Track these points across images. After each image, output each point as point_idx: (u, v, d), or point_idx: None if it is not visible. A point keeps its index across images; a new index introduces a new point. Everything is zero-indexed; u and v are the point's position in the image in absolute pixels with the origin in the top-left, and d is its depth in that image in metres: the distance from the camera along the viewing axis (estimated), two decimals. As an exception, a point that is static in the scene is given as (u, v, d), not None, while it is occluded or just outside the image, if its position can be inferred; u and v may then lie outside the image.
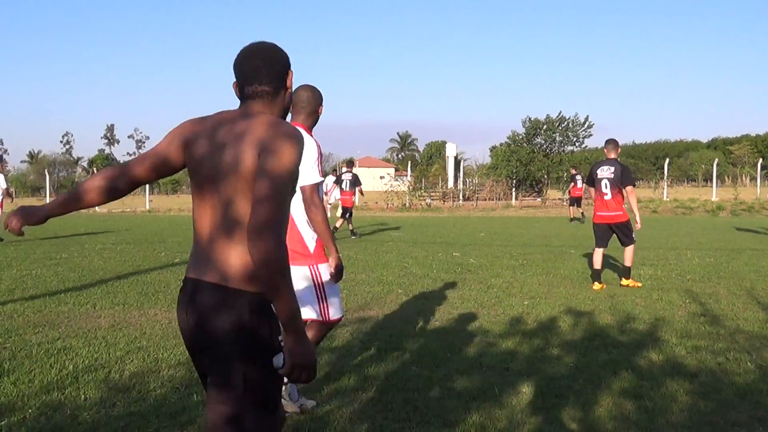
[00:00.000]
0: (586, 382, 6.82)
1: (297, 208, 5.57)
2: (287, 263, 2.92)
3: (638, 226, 12.94)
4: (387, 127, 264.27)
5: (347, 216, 24.97)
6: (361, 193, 26.61)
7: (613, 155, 13.11)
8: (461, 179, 64.35)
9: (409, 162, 67.52)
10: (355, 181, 25.09)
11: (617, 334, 8.95)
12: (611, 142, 13.28)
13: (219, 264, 3.13)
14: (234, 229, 3.11)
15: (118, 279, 13.37)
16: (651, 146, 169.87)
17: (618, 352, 7.97)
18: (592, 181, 13.36)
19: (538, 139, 61.09)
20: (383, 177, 58.93)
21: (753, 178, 74.56)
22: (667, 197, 51.60)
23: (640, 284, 12.87)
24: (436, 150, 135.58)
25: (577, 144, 62.01)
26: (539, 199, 55.25)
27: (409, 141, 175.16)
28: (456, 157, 68.88)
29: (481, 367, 7.33)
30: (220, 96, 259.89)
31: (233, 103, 3.36)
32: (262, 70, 3.27)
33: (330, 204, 27.91)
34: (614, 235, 13.14)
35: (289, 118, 4.38)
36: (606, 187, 12.95)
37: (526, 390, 6.53)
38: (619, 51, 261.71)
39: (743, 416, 5.91)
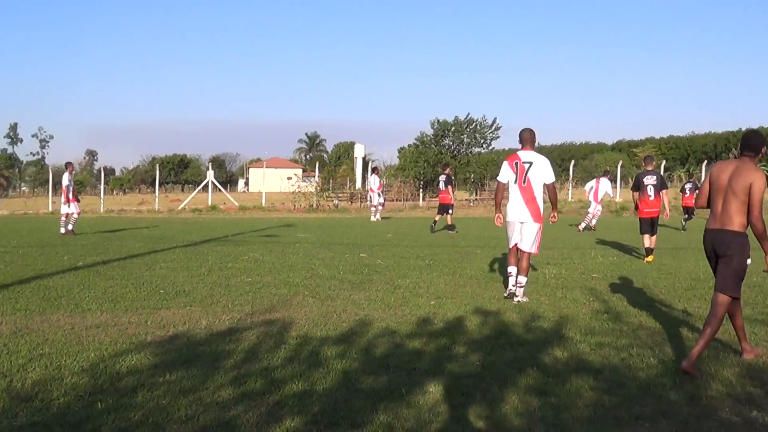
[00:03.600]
0: (493, 379, 6.88)
1: None
2: None
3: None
4: (295, 127, 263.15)
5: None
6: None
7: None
8: (369, 180, 64.49)
9: (317, 163, 67.31)
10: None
11: (522, 332, 9.04)
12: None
13: None
14: None
15: (19, 284, 13.06)
16: (557, 148, 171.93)
17: (523, 350, 8.06)
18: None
19: (446, 141, 61.57)
20: (290, 178, 58.70)
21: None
22: (571, 198, 52.38)
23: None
24: (345, 151, 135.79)
25: (484, 146, 62.63)
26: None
27: (318, 142, 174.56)
28: (364, 158, 69.17)
29: (388, 368, 7.35)
30: (126, 96, 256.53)
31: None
32: None
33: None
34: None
35: None
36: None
37: (433, 389, 6.56)
38: (527, 54, 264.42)
39: (647, 410, 6.04)
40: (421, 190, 57.12)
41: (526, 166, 11.87)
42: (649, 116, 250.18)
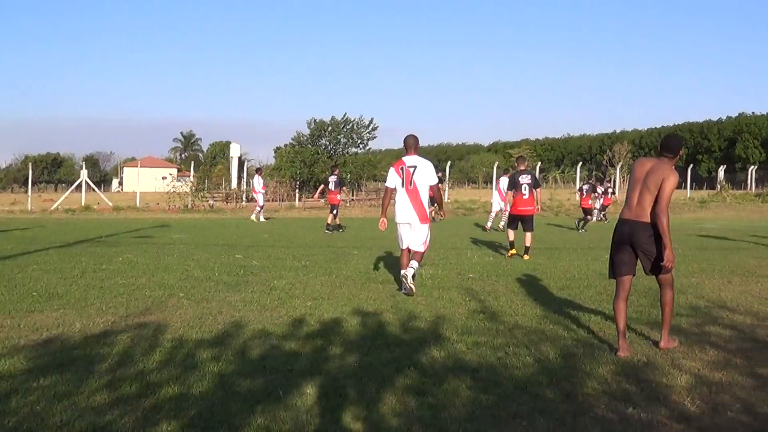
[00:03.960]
0: (370, 380, 6.85)
1: None
2: None
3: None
4: (170, 126, 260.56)
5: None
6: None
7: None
8: (245, 180, 64.03)
9: (192, 162, 66.59)
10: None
11: (399, 332, 9.04)
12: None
13: None
14: None
15: None
16: (434, 149, 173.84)
17: (400, 350, 8.05)
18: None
19: (323, 141, 61.52)
20: (165, 177, 57.87)
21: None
22: (448, 198, 52.88)
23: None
24: (220, 150, 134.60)
25: (361, 146, 62.80)
26: (323, 201, 55.48)
27: (193, 141, 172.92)
28: (240, 158, 68.62)
29: (264, 370, 7.26)
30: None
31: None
32: None
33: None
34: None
35: None
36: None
37: (311, 391, 6.50)
38: (405, 54, 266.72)
39: (524, 408, 6.07)
40: (297, 190, 56.93)
41: (411, 170, 12.48)
42: (526, 118, 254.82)
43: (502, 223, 30.11)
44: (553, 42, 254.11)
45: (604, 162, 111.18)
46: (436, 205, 17.73)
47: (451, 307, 10.81)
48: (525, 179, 18.83)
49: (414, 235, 12.55)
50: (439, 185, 12.88)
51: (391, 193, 12.80)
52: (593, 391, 6.61)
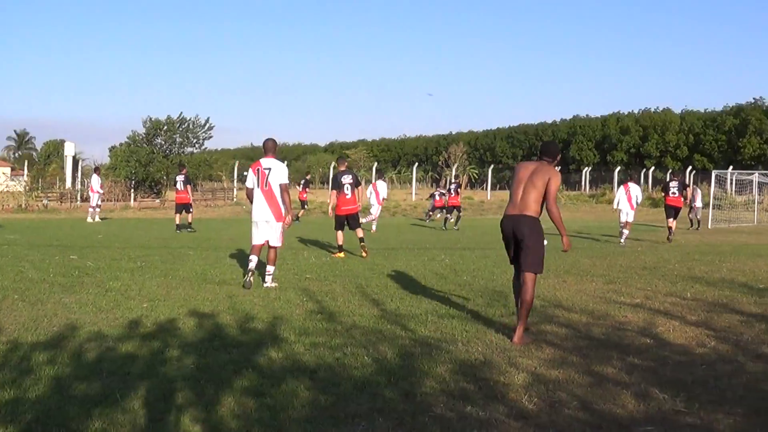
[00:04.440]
0: (208, 382, 6.74)
1: None
2: None
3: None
4: (3, 124, 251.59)
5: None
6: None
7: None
8: (80, 179, 62.47)
9: (26, 161, 64.63)
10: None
11: (237, 333, 8.94)
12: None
13: None
14: None
15: None
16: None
17: (238, 352, 7.96)
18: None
19: (159, 140, 60.56)
20: (-2, 176, 56.02)
21: (368, 181, 78.07)
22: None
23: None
24: (55, 149, 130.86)
25: (197, 145, 62.14)
26: (158, 201, 54.68)
27: (27, 139, 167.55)
28: (74, 157, 66.79)
29: (101, 373, 7.08)
30: None
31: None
32: None
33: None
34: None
35: None
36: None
37: (148, 394, 6.37)
38: (240, 55, 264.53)
39: (363, 408, 6.06)
40: (132, 190, 55.87)
41: (267, 171, 13.30)
42: (363, 119, 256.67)
43: (371, 224, 30.99)
44: (387, 44, 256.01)
45: (440, 163, 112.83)
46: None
47: (288, 308, 10.74)
48: (347, 179, 19.22)
49: (271, 231, 13.28)
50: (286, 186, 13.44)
51: (250, 192, 13.57)
52: (431, 390, 6.64)
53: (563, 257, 18.00)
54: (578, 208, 48.95)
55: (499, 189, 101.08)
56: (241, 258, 17.00)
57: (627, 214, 26.34)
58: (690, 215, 37.80)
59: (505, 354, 8.11)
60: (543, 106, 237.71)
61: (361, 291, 12.44)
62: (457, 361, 7.74)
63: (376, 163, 74.47)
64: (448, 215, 35.30)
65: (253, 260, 13.15)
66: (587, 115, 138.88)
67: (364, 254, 18.38)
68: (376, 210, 31.76)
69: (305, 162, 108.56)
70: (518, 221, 9.17)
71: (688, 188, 30.45)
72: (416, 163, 77.54)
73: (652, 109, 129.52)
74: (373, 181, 33.20)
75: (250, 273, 12.96)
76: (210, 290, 12.39)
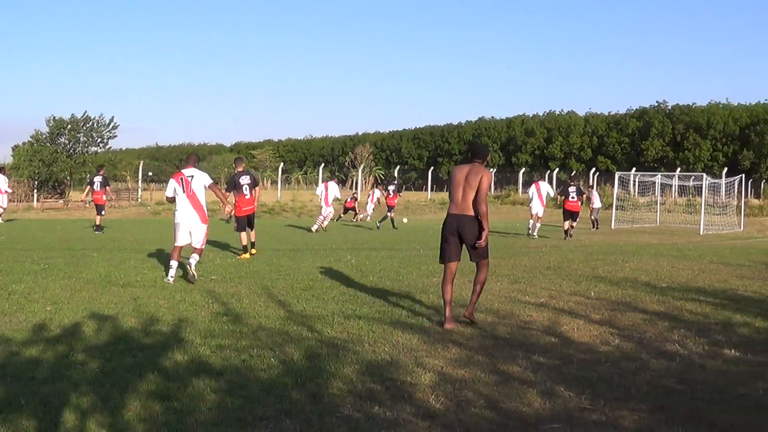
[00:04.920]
0: (113, 386, 6.66)
1: None
2: None
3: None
4: None
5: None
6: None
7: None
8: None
9: (-76, 161, 62.88)
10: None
11: (142, 336, 8.85)
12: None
13: None
14: None
15: None
16: (175, 149, 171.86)
17: (143, 355, 7.89)
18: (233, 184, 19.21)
19: (62, 139, 59.44)
20: None
21: (274, 182, 77.98)
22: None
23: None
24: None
25: (101, 145, 61.19)
26: (62, 201, 53.70)
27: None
28: (-25, 157, 65.44)
29: (5, 377, 6.96)
30: None
31: None
32: None
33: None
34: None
35: None
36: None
37: (53, 398, 6.27)
38: (145, 53, 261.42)
39: (270, 410, 6.05)
40: (36, 190, 54.76)
41: (190, 179, 14.59)
42: (268, 119, 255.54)
43: (326, 223, 31.66)
44: (290, 44, 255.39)
45: (347, 164, 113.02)
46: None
47: (193, 310, 10.67)
48: (245, 180, 19.52)
49: (195, 233, 14.52)
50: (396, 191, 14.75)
51: (170, 200, 14.91)
52: (339, 391, 6.66)
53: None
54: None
55: (405, 190, 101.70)
56: (146, 260, 16.87)
57: (538, 209, 28.98)
58: (591, 216, 38.59)
59: (411, 354, 8.15)
60: (449, 108, 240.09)
61: (267, 292, 12.39)
62: (364, 361, 7.76)
63: (282, 164, 74.19)
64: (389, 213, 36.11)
65: (174, 264, 14.07)
66: (492, 117, 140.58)
67: (253, 251, 19.02)
68: (325, 211, 32.00)
69: (211, 162, 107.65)
70: (462, 221, 10.23)
71: (584, 194, 32.45)
72: (322, 164, 77.56)
73: (557, 112, 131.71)
74: (325, 182, 33.60)
75: (172, 270, 13.96)
76: (114, 292, 12.22)
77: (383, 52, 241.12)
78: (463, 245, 10.40)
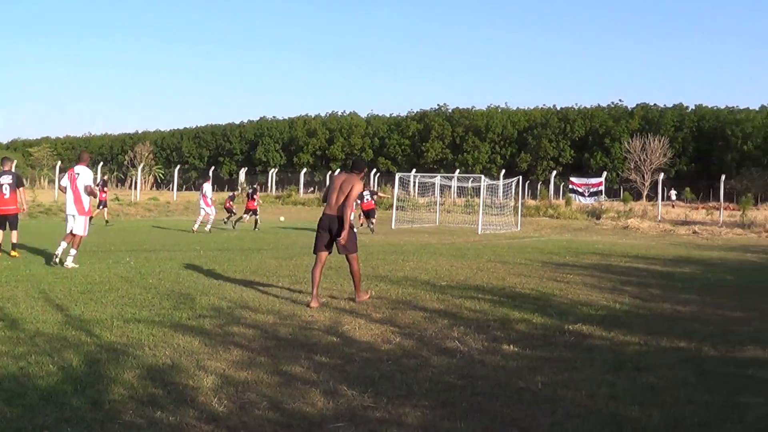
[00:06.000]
0: None
1: None
2: None
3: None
4: None
5: None
6: None
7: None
8: None
9: None
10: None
11: None
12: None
13: None
14: None
15: None
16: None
17: None
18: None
19: None
20: None
21: (51, 181, 75.63)
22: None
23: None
24: None
25: None
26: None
27: None
28: None
29: None
30: None
31: None
32: None
33: None
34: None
35: None
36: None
37: None
38: None
39: (50, 419, 5.90)
40: None
41: (77, 176, 17.18)
42: (47, 116, 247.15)
43: (208, 226, 32.58)
44: (70, 38, 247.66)
45: (126, 162, 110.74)
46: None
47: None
48: (6, 179, 19.40)
49: (77, 223, 17.08)
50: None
51: (63, 189, 17.49)
52: (120, 397, 6.55)
53: (249, 259, 18.21)
54: (265, 209, 49.13)
55: (186, 190, 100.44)
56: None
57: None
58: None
59: (193, 357, 8.10)
60: (231, 107, 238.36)
61: (44, 296, 12.02)
62: (145, 366, 7.66)
63: (60, 162, 71.98)
64: (245, 215, 36.95)
65: (64, 245, 16.87)
66: (274, 117, 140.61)
67: (14, 253, 18.73)
68: (209, 212, 32.56)
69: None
70: (333, 221, 12.10)
71: (376, 195, 36.40)
72: (101, 163, 75.69)
73: (339, 113, 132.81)
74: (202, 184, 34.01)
75: (56, 255, 16.64)
76: None
77: (162, 47, 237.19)
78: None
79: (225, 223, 36.87)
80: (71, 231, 17.03)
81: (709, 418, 6.42)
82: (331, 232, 12.12)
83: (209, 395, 6.66)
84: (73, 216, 17.10)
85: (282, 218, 43.85)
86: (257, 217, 36.76)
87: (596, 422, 6.24)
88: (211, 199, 32.97)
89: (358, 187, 12.16)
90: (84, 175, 17.20)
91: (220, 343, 8.80)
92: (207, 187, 33.18)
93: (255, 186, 42.48)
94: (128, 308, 11.03)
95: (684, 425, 6.23)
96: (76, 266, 16.20)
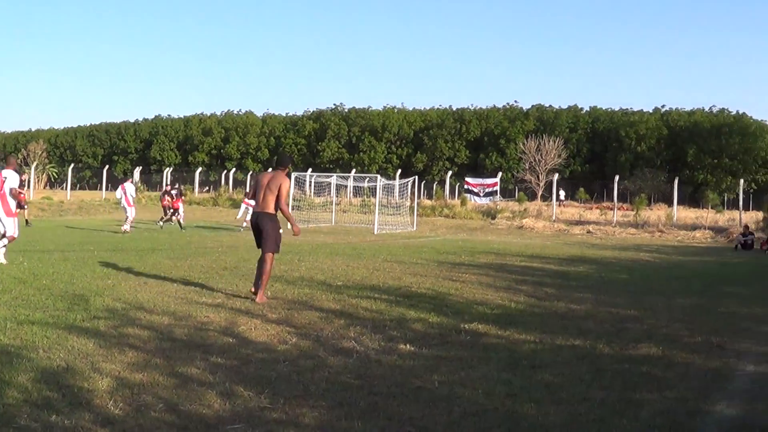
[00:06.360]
0: None
1: None
2: None
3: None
4: None
5: None
6: None
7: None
8: None
9: None
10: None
11: None
12: None
13: None
14: None
15: None
16: None
17: None
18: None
19: None
20: None
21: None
22: None
23: None
24: None
25: None
26: None
27: None
28: None
29: None
30: None
31: None
32: None
33: None
34: None
35: None
36: None
37: None
38: None
39: None
40: None
41: (4, 179, 17.23)
42: None
43: (126, 226, 31.64)
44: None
45: (18, 161, 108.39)
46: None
47: None
48: None
49: (6, 225, 17.08)
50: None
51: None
52: (14, 400, 6.47)
53: (144, 259, 18.07)
54: (159, 208, 48.60)
55: (80, 189, 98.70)
56: None
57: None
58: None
59: (88, 359, 8.03)
60: (125, 105, 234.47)
61: None
62: (39, 368, 7.56)
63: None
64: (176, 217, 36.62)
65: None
66: (169, 116, 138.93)
67: None
68: (131, 212, 32.29)
69: None
70: (260, 217, 12.67)
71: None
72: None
73: (235, 112, 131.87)
74: (121, 184, 33.53)
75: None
76: None
77: (56, 43, 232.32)
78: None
79: (170, 223, 36.32)
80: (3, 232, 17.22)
81: (605, 414, 6.63)
82: (259, 228, 12.68)
83: (105, 398, 6.62)
84: (0, 219, 17.21)
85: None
86: (180, 216, 36.44)
87: (493, 420, 6.39)
88: (133, 197, 32.58)
89: (286, 184, 12.63)
90: (11, 178, 17.48)
91: (115, 345, 8.72)
92: (129, 186, 32.79)
93: (178, 186, 42.19)
94: (21, 310, 10.84)
95: (580, 422, 6.41)
96: (6, 262, 16.65)
